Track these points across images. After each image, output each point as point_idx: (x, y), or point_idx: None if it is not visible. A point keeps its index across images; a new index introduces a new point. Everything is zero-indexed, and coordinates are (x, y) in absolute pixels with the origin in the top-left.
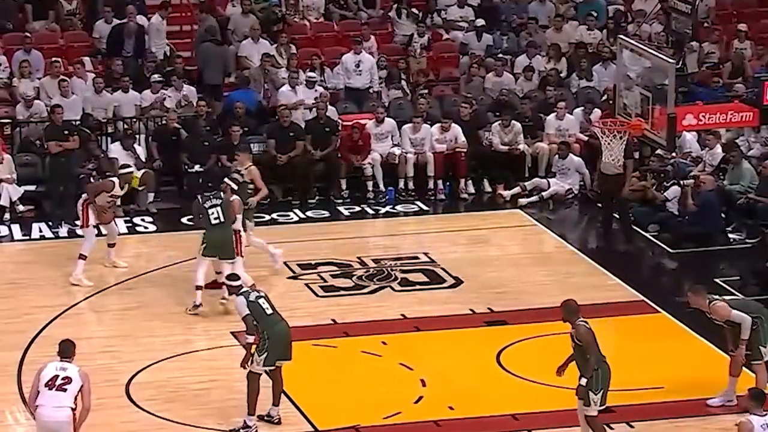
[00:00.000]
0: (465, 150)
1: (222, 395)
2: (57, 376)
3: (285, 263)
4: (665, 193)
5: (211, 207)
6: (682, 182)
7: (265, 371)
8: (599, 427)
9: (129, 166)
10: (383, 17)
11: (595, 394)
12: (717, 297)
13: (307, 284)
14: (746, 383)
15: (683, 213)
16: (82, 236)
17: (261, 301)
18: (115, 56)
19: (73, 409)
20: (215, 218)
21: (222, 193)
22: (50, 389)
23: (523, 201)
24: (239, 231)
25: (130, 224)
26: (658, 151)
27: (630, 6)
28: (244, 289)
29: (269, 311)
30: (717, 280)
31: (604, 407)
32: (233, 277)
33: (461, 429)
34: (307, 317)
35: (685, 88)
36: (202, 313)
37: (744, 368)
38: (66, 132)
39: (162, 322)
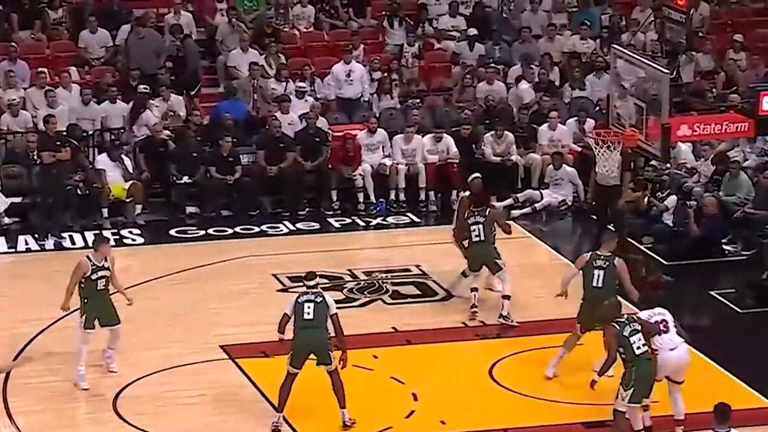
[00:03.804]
0: (457, 161)
1: (210, 410)
2: None
3: (275, 275)
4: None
5: (474, 224)
6: (686, 203)
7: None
8: (619, 423)
9: None
10: (375, 27)
11: (625, 390)
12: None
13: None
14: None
15: (681, 224)
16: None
17: (307, 305)
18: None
19: None
20: (476, 236)
21: (487, 211)
22: None
23: (515, 212)
24: None
25: (117, 237)
26: (653, 162)
27: (625, 15)
28: (304, 291)
29: (308, 316)
30: (712, 293)
31: (639, 404)
32: (309, 276)
33: None
34: None
35: (680, 98)
36: (190, 325)
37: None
38: (58, 143)
39: (150, 336)
